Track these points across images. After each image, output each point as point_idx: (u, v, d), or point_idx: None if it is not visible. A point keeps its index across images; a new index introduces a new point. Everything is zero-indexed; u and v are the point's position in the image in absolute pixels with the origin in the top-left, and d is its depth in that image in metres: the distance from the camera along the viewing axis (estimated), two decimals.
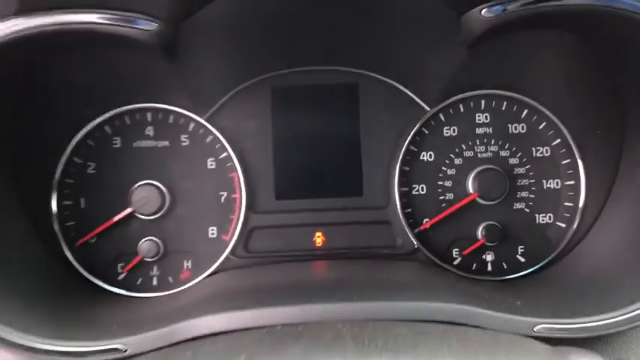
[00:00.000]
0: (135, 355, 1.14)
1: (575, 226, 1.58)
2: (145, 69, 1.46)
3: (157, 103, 1.60)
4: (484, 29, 1.27)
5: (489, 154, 1.61)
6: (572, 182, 1.60)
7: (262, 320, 1.10)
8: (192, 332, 1.11)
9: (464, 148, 1.62)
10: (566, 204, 1.60)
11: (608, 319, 1.17)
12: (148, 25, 1.20)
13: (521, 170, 1.61)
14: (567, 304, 1.29)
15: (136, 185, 1.57)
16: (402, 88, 1.63)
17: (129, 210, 1.57)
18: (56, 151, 1.58)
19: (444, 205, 1.61)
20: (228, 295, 1.30)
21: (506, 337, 0.96)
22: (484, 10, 1.25)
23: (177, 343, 1.12)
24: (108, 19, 1.18)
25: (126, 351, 1.15)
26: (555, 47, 1.46)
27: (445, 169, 1.62)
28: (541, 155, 1.61)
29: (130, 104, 1.60)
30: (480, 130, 1.62)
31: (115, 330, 1.24)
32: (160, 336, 1.15)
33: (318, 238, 1.62)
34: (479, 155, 1.61)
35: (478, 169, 1.59)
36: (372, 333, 0.89)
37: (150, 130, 1.61)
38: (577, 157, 1.59)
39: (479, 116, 1.62)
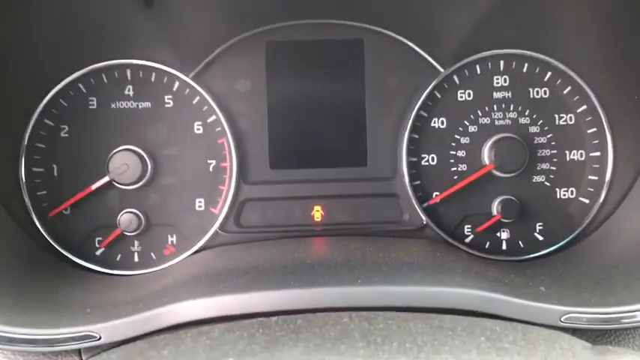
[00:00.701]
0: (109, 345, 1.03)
1: (600, 202, 1.47)
2: (122, 18, 1.32)
3: (137, 59, 1.47)
4: None
5: (508, 121, 1.48)
6: (598, 154, 1.48)
7: (253, 307, 1.00)
8: (173, 319, 1.01)
9: (480, 114, 1.49)
10: (591, 178, 1.48)
11: None
12: None
13: (542, 139, 1.49)
14: (594, 289, 1.18)
15: (115, 151, 1.45)
16: (412, 45, 1.49)
17: (106, 178, 1.44)
18: (24, 111, 1.45)
19: (456, 177, 1.49)
20: (216, 276, 1.17)
21: (539, 334, 0.83)
22: None
23: (157, 332, 1.01)
24: None
25: (100, 338, 1.04)
26: (590, 1, 1.30)
27: (458, 137, 1.49)
28: (565, 123, 1.49)
29: (108, 60, 1.46)
30: (498, 95, 1.49)
31: (88, 314, 1.12)
32: (138, 322, 1.03)
33: (317, 212, 1.50)
34: (496, 122, 1.48)
35: (495, 137, 1.46)
36: (385, 330, 0.75)
37: (129, 90, 1.48)
38: (605, 126, 1.47)
39: (497, 79, 1.49)
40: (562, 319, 1.04)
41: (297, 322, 0.81)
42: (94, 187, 1.44)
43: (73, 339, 1.04)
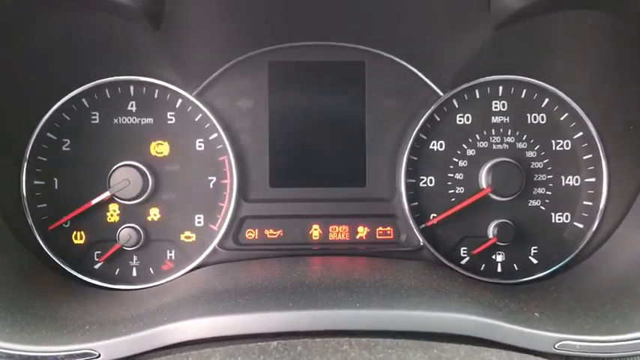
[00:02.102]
0: None
1: (594, 227, 1.48)
2: (129, 37, 1.32)
3: (141, 75, 1.47)
4: (519, 7, 1.13)
5: (505, 145, 1.49)
6: (593, 180, 1.49)
7: (252, 328, 1.01)
8: (173, 339, 1.02)
9: (478, 138, 1.50)
10: (586, 203, 1.50)
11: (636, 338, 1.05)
12: None
13: (538, 164, 1.50)
14: (587, 316, 1.18)
15: (116, 166, 1.45)
16: (413, 69, 1.50)
17: (107, 193, 1.44)
18: (27, 124, 1.45)
19: (453, 199, 1.50)
20: (215, 296, 1.17)
21: None
22: None
23: (155, 350, 1.02)
24: None
25: (99, 356, 1.05)
26: (588, 32, 1.32)
27: (456, 160, 1.50)
28: (561, 149, 1.50)
29: (112, 76, 1.47)
30: (496, 119, 1.50)
31: (87, 331, 1.12)
32: (137, 341, 1.04)
33: (315, 231, 1.51)
34: (494, 146, 1.50)
35: (492, 161, 1.47)
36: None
37: (132, 106, 1.48)
38: (600, 152, 1.48)
39: (495, 104, 1.50)
40: (556, 346, 1.04)
41: (297, 348, 0.82)
42: (94, 201, 1.44)
43: (72, 356, 1.04)
